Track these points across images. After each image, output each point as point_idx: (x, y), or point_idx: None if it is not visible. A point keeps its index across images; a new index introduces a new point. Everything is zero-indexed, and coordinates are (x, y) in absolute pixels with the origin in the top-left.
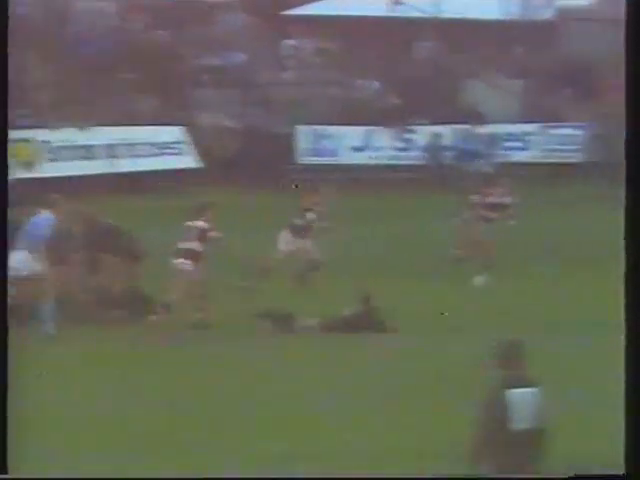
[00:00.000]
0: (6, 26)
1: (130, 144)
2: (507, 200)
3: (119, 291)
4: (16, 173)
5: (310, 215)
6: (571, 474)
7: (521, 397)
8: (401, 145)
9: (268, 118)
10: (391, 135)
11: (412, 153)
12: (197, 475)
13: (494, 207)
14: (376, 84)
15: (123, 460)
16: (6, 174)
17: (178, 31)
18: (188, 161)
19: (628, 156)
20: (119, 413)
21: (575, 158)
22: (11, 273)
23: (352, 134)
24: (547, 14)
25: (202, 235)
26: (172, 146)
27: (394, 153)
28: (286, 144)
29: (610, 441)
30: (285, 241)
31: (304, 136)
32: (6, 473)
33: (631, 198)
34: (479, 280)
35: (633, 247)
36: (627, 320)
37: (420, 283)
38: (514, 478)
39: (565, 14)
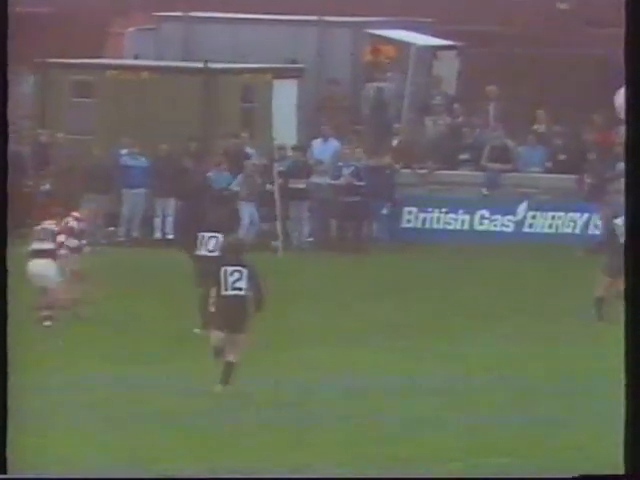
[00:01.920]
0: (6, 26)
1: None
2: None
3: None
4: None
5: None
6: (572, 474)
7: None
8: None
9: None
10: None
11: None
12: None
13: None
14: None
15: None
16: (6, 173)
17: None
18: None
19: (628, 158)
20: None
21: None
22: None
23: None
24: None
25: None
26: None
27: None
28: None
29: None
30: None
31: None
32: (5, 473)
33: (631, 201)
34: None
35: (633, 250)
36: (627, 321)
37: None
38: (514, 478)
39: None
